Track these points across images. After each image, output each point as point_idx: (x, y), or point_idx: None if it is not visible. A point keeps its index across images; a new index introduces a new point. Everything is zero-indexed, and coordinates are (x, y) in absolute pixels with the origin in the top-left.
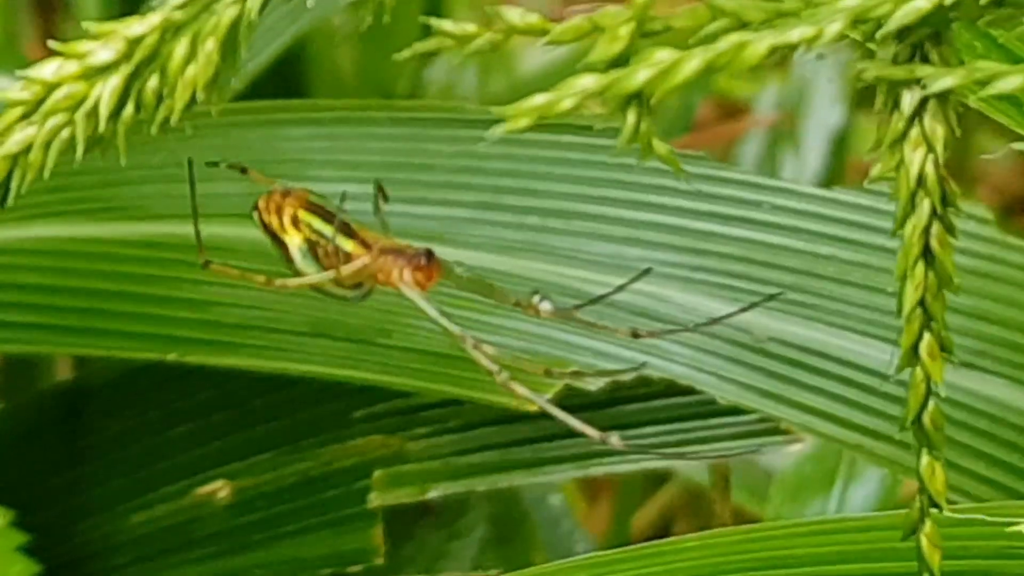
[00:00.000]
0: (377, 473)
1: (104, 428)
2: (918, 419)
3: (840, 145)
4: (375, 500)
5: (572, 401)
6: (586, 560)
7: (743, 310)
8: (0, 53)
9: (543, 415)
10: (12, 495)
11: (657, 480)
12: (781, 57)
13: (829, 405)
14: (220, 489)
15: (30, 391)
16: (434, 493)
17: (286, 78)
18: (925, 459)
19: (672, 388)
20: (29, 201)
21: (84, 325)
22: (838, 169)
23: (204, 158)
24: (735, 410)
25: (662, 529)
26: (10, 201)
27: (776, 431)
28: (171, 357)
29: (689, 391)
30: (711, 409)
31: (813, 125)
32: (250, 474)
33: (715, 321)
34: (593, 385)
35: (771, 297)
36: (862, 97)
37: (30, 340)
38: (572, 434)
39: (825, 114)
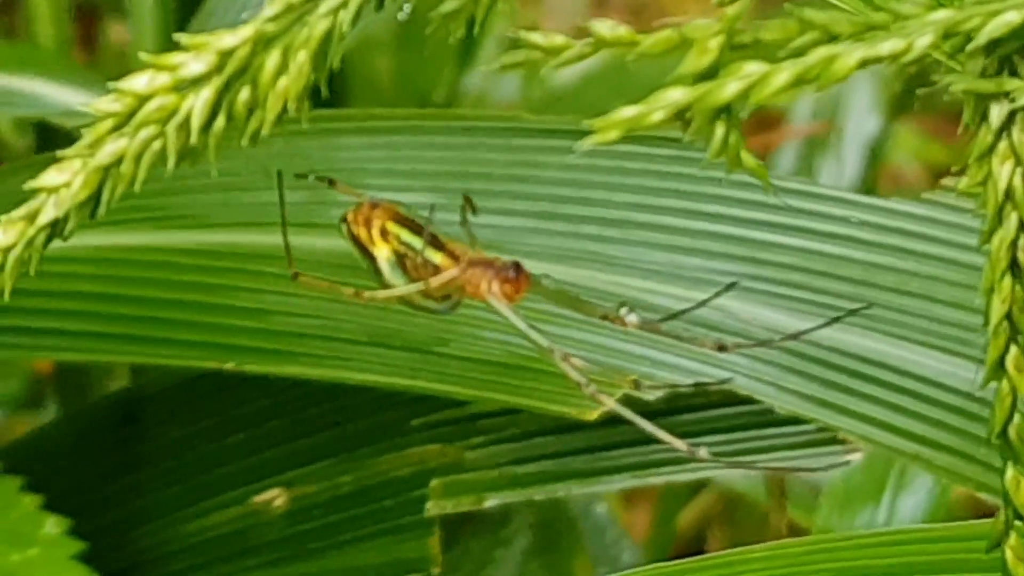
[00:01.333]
0: (434, 482)
1: (160, 436)
2: (1003, 432)
3: (876, 154)
4: (432, 509)
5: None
6: (652, 570)
7: (827, 324)
8: (51, 60)
9: (600, 425)
10: (69, 502)
11: (694, 487)
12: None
13: (888, 415)
14: (276, 497)
15: (86, 399)
16: (491, 502)
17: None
18: (1010, 472)
19: (730, 398)
20: None
21: (142, 334)
22: (874, 178)
23: (261, 166)
24: (793, 420)
25: (699, 535)
26: (100, 213)
27: (834, 441)
28: (229, 366)
29: (747, 401)
30: (769, 419)
31: (849, 134)
32: (307, 482)
33: (795, 336)
34: (651, 394)
35: (854, 311)
36: (898, 106)
37: (88, 348)
38: (629, 443)
39: (861, 123)
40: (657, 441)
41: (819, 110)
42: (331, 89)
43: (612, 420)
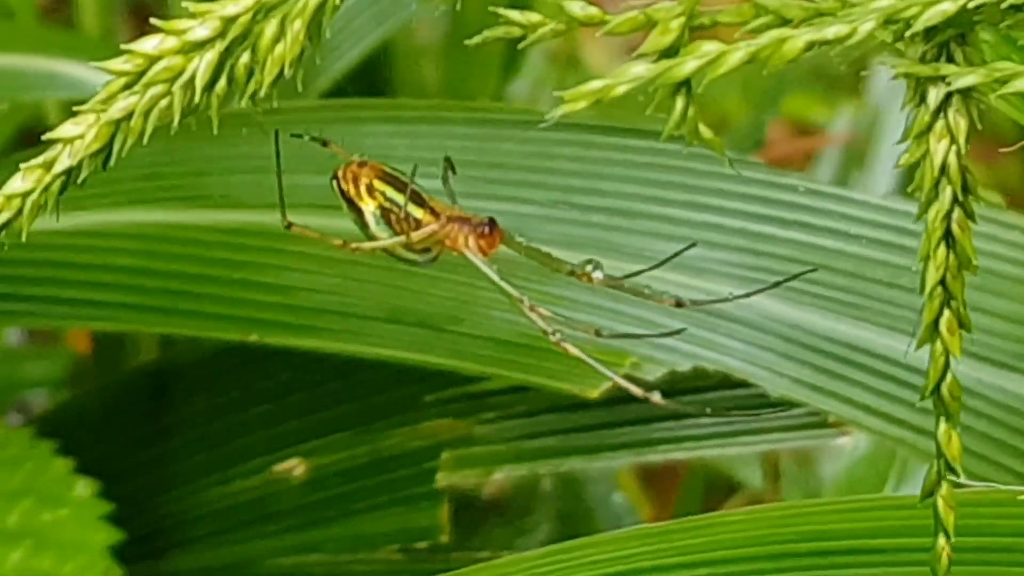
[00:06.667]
0: (445, 455)
1: (187, 406)
2: (937, 389)
3: (911, 169)
4: (442, 480)
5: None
6: (636, 531)
7: (758, 292)
8: (96, 47)
9: (603, 404)
10: (100, 467)
11: (726, 492)
12: (817, 56)
13: (875, 401)
14: (296, 467)
15: (119, 370)
16: (499, 475)
17: (372, 92)
18: (943, 427)
19: (727, 381)
20: (125, 188)
21: (172, 306)
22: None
23: (289, 151)
24: (786, 403)
25: None
26: (111, 163)
27: (824, 424)
28: (253, 338)
29: (743, 384)
30: (763, 402)
31: (885, 149)
32: (325, 453)
33: (738, 297)
34: (651, 375)
35: (778, 283)
36: None
37: (122, 319)
38: (631, 422)
39: (897, 138)
40: (657, 420)
41: (858, 124)
42: (380, 94)
43: (615, 400)
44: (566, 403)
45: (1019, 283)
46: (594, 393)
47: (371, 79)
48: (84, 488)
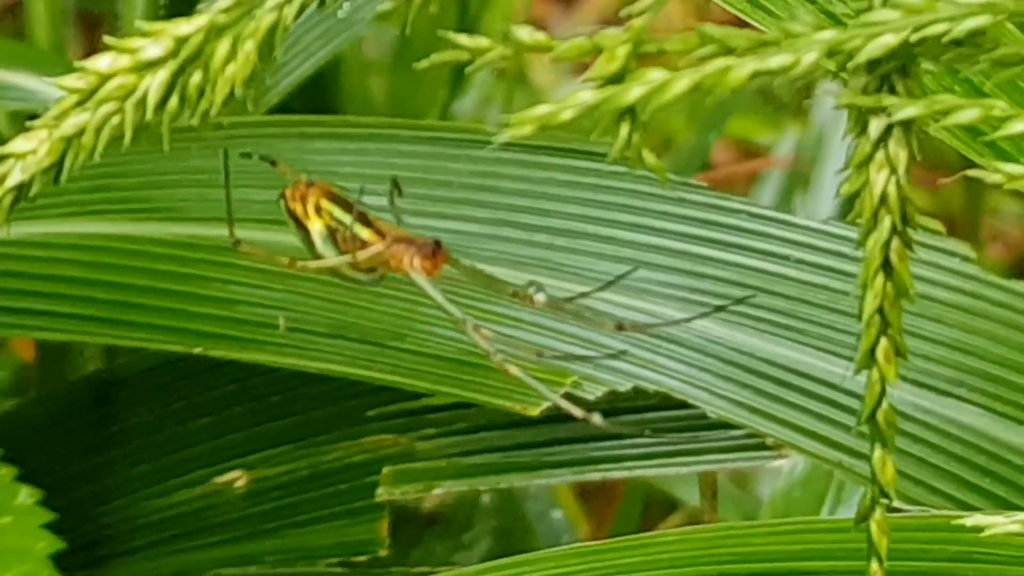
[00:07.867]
0: (386, 469)
1: (130, 417)
2: (872, 416)
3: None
4: (383, 495)
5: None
6: (574, 550)
7: (703, 315)
8: (47, 59)
9: (543, 421)
10: (42, 476)
11: (665, 508)
12: (761, 83)
13: (813, 424)
14: (237, 479)
15: (62, 380)
16: (439, 490)
17: (319, 106)
18: (877, 453)
19: (667, 401)
20: (72, 199)
21: (117, 317)
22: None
23: (237, 166)
24: (724, 425)
25: None
26: (62, 179)
27: (762, 446)
28: (197, 350)
29: (682, 405)
30: (702, 423)
31: (829, 171)
32: (266, 465)
33: (677, 322)
34: (591, 394)
35: (720, 308)
36: None
37: (67, 328)
38: (570, 440)
39: (841, 161)
40: (597, 439)
41: (802, 147)
42: (327, 108)
43: (555, 418)
44: (507, 420)
45: (957, 309)
46: (535, 411)
47: (318, 93)
48: (27, 496)
